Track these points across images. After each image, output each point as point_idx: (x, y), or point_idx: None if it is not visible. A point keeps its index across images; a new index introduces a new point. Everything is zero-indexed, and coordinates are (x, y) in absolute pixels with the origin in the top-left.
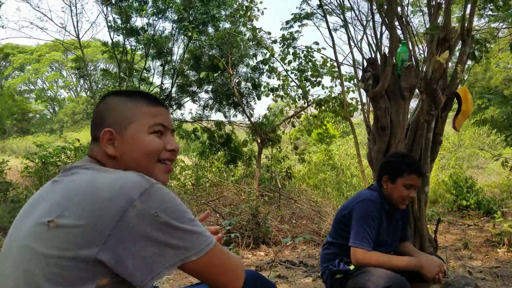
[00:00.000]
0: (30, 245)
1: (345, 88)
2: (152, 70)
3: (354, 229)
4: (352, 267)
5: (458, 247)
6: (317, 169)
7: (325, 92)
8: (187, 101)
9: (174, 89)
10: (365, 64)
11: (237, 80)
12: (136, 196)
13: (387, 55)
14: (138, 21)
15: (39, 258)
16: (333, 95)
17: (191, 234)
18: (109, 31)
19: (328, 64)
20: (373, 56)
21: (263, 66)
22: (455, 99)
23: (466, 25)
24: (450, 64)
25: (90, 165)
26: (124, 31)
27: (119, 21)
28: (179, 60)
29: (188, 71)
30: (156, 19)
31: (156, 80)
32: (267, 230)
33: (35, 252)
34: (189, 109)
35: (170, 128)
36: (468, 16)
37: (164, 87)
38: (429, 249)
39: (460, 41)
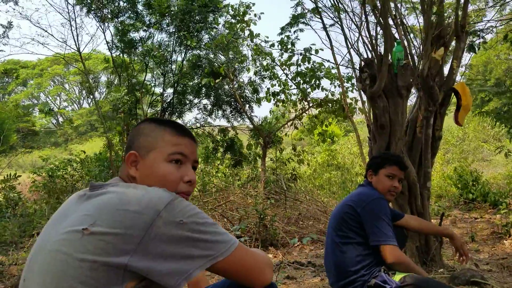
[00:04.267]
0: (63, 250)
1: (345, 89)
2: (153, 80)
3: (377, 227)
4: (397, 278)
5: (465, 240)
6: (322, 169)
7: (325, 94)
8: (189, 108)
9: (175, 98)
10: (362, 64)
11: (236, 85)
12: (162, 207)
13: (383, 54)
14: (136, 34)
15: (74, 262)
16: (333, 96)
17: (216, 237)
18: (108, 46)
19: (326, 66)
20: (369, 56)
21: (264, 72)
22: (453, 94)
23: (459, 20)
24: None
25: (120, 183)
26: (122, 46)
27: (116, 37)
28: (179, 69)
29: (188, 80)
30: (153, 30)
31: (158, 90)
32: (274, 232)
33: (68, 256)
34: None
35: (192, 159)
36: (461, 12)
37: (165, 96)
38: (434, 243)
39: (455, 37)
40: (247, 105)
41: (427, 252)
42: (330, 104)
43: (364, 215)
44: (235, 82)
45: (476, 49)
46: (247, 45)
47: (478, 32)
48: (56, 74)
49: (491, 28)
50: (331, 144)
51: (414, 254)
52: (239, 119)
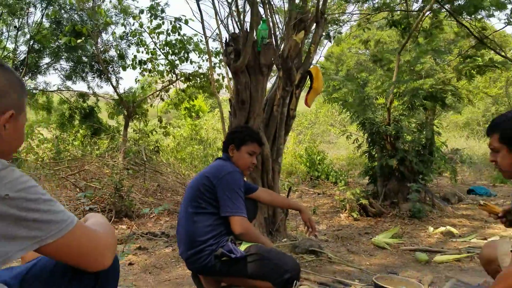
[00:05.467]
0: None
1: (212, 64)
2: (6, 33)
3: (230, 198)
4: (242, 248)
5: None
6: (185, 143)
7: (193, 67)
8: (46, 69)
9: (30, 56)
10: (228, 38)
11: (102, 48)
12: None
13: (248, 31)
14: None
15: None
16: (201, 70)
17: (48, 215)
18: None
19: (195, 39)
20: (236, 31)
21: (131, 38)
22: (308, 77)
23: (320, 7)
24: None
25: None
26: None
27: None
28: (36, 24)
29: (46, 38)
30: None
31: (11, 46)
32: (130, 203)
33: None
34: (48, 79)
35: None
36: None
37: (18, 53)
38: (280, 215)
39: (315, 23)
40: (111, 71)
41: (273, 223)
42: (198, 79)
43: (219, 186)
44: (99, 45)
45: (332, 38)
46: (114, 6)
47: (337, 22)
48: None
49: (348, 20)
50: (196, 118)
51: (262, 224)
52: (102, 86)
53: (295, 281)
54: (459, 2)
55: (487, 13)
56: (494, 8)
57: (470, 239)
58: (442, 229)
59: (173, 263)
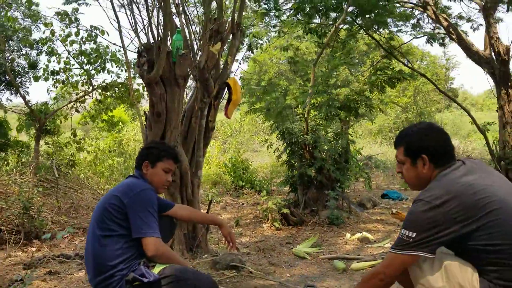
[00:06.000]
0: None
1: (132, 74)
2: None
3: (141, 218)
4: (156, 270)
5: (231, 225)
6: (104, 156)
7: (111, 77)
8: None
9: None
10: (141, 49)
11: (10, 57)
12: None
13: (161, 41)
14: None
15: None
16: (120, 80)
17: None
18: None
19: (112, 49)
20: (150, 42)
21: (42, 46)
22: (226, 88)
23: (236, 19)
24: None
25: None
26: None
27: None
28: None
29: None
30: None
31: None
32: (41, 223)
33: None
34: None
35: None
36: (238, 10)
37: None
38: (201, 230)
39: (231, 34)
40: (20, 82)
41: (194, 238)
42: (117, 89)
43: (130, 205)
44: (7, 54)
45: (255, 50)
46: (23, 13)
47: (255, 35)
48: None
49: (267, 31)
50: (115, 131)
51: (182, 241)
52: (10, 97)
53: None
54: (370, 16)
55: (397, 28)
56: (402, 22)
57: (384, 244)
58: (358, 235)
59: None
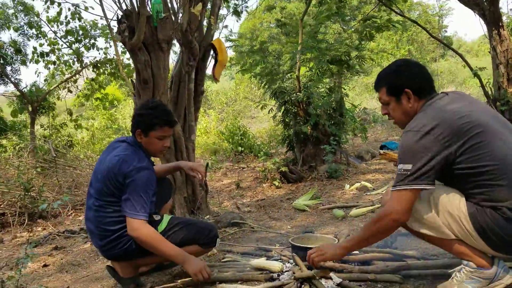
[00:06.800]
0: None
1: (121, 49)
2: None
3: (132, 198)
4: (163, 225)
5: (232, 188)
6: (101, 134)
7: (99, 54)
8: None
9: None
10: (120, 15)
11: None
12: None
13: (140, 5)
14: None
15: None
16: (109, 56)
17: None
18: None
19: (100, 25)
20: (129, 7)
21: (29, 30)
22: (212, 50)
23: None
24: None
25: None
26: None
27: None
28: None
29: None
30: None
31: None
32: (43, 203)
33: None
34: None
35: None
36: None
37: None
38: (200, 193)
39: None
40: (10, 68)
41: (194, 202)
42: (108, 65)
43: (128, 185)
44: None
45: (240, 13)
46: None
47: None
48: None
49: None
50: (111, 108)
51: (182, 205)
52: (1, 83)
53: (217, 238)
54: None
55: None
56: None
57: (382, 191)
58: (357, 185)
59: (92, 258)
